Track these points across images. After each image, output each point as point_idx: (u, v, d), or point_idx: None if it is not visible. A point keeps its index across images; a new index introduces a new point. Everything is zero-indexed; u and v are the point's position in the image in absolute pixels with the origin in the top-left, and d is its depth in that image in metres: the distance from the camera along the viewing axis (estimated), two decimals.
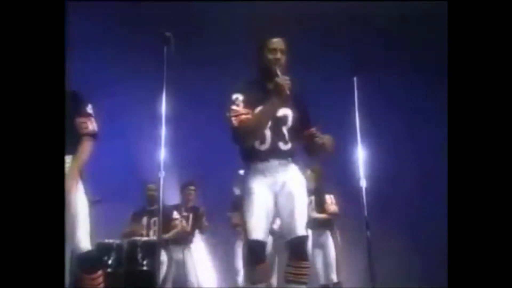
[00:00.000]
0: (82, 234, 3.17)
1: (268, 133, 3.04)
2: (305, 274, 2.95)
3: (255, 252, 2.93)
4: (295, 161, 3.18)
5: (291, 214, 2.98)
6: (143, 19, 5.70)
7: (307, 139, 3.11)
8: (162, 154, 3.35)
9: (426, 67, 6.83)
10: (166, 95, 3.36)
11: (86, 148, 3.35)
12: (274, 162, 3.05)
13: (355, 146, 3.82)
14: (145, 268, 4.95)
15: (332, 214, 5.68)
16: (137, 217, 5.80)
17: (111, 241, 4.98)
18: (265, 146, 3.05)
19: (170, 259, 5.65)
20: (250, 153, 3.09)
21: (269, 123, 3.02)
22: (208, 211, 6.05)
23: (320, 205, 5.73)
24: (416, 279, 6.57)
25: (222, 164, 4.90)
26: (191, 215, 6.03)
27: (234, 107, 3.03)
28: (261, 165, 3.06)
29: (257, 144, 3.04)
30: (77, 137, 3.33)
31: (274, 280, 5.01)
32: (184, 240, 5.85)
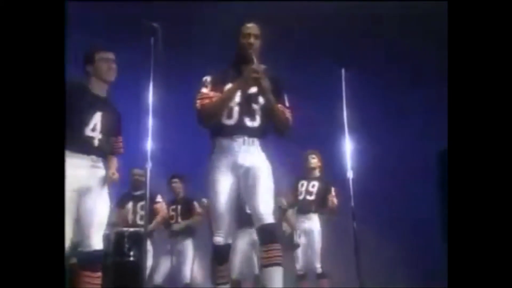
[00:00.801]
0: (96, 232, 3.29)
1: (236, 108, 3.08)
2: (278, 256, 2.94)
3: (219, 256, 3.07)
4: (261, 145, 3.19)
5: (257, 202, 2.99)
6: (131, 10, 5.66)
7: (273, 114, 3.13)
8: (149, 145, 3.36)
9: (415, 60, 6.85)
10: (153, 86, 3.36)
11: (115, 165, 3.57)
12: (239, 140, 3.08)
13: (343, 138, 3.84)
14: (132, 258, 4.94)
15: (332, 208, 5.67)
16: (122, 202, 5.79)
17: None
18: (231, 122, 3.09)
19: (161, 249, 5.65)
20: (216, 128, 3.13)
21: (238, 100, 3.07)
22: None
23: (323, 193, 5.73)
24: (401, 269, 6.63)
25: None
26: (179, 207, 6.00)
27: (203, 89, 3.14)
28: (225, 142, 3.09)
29: (223, 118, 3.08)
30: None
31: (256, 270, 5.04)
32: (177, 231, 5.83)
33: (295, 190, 5.83)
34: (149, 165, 3.32)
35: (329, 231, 5.69)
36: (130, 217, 5.67)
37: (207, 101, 3.08)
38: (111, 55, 3.49)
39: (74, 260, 3.57)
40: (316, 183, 5.78)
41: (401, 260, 6.77)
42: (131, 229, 5.26)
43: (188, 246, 5.86)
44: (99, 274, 3.26)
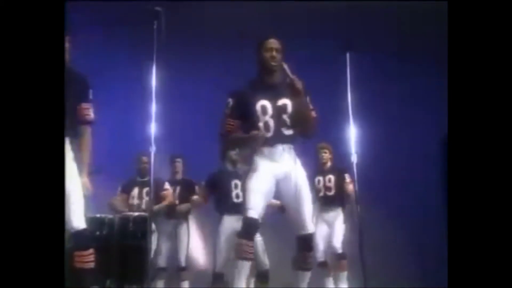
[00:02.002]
0: (76, 213, 3.18)
1: (271, 121, 3.38)
2: (311, 263, 3.46)
3: (248, 228, 3.29)
4: (296, 152, 3.45)
5: (298, 210, 3.37)
6: None
7: (305, 117, 3.45)
8: (153, 128, 3.39)
9: (421, 44, 6.80)
10: (156, 69, 3.37)
11: (89, 138, 3.40)
12: (278, 147, 3.38)
13: (347, 122, 3.83)
14: (137, 243, 4.96)
15: (351, 195, 5.60)
16: (128, 188, 5.80)
17: (102, 215, 4.98)
18: (270, 134, 3.38)
19: (161, 232, 5.67)
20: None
21: (271, 113, 3.38)
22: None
23: (338, 184, 5.75)
24: (405, 251, 6.65)
25: (214, 138, 4.90)
26: (178, 188, 5.99)
27: (226, 111, 3.48)
28: (267, 150, 3.38)
29: (261, 130, 3.37)
30: (74, 122, 3.31)
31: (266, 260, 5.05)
32: (176, 214, 5.84)
33: (313, 188, 5.84)
34: (153, 149, 3.39)
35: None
36: (136, 202, 5.67)
37: (229, 129, 3.45)
38: (67, 37, 3.28)
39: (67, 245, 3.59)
40: (331, 177, 5.79)
41: (404, 245, 6.77)
42: (136, 213, 5.28)
43: (184, 229, 5.86)
44: (91, 251, 3.22)
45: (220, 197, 5.22)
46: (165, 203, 5.68)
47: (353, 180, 5.36)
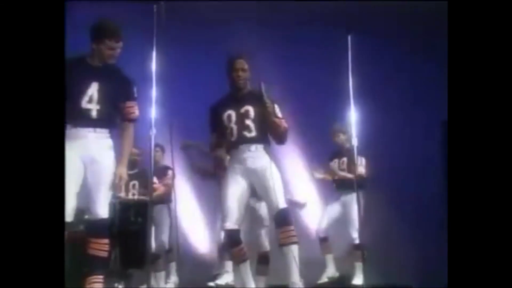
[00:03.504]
0: (102, 201, 3.33)
1: (234, 127, 3.75)
2: (294, 236, 3.60)
3: (229, 239, 3.69)
4: (264, 149, 3.76)
5: (270, 194, 3.64)
6: None
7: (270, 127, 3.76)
8: (153, 113, 3.40)
9: (423, 26, 6.74)
10: (156, 53, 3.36)
11: (132, 134, 3.50)
12: (242, 147, 3.73)
13: (348, 106, 3.82)
14: (137, 228, 4.96)
15: (358, 176, 5.62)
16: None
17: None
18: (234, 138, 3.76)
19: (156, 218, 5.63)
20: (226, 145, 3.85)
21: (235, 119, 3.76)
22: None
23: (351, 167, 5.56)
24: (404, 236, 6.67)
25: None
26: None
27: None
28: (234, 152, 3.78)
29: (228, 136, 3.78)
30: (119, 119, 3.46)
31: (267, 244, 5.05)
32: (160, 200, 5.80)
33: (329, 169, 5.82)
34: (153, 132, 3.44)
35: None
36: (122, 194, 5.58)
37: (212, 140, 3.92)
38: (120, 44, 3.37)
39: (81, 227, 3.61)
40: (345, 159, 5.71)
41: (404, 228, 6.77)
42: (136, 197, 5.27)
43: (164, 214, 5.83)
44: (106, 240, 3.32)
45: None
46: (160, 191, 5.64)
47: (368, 165, 5.45)
